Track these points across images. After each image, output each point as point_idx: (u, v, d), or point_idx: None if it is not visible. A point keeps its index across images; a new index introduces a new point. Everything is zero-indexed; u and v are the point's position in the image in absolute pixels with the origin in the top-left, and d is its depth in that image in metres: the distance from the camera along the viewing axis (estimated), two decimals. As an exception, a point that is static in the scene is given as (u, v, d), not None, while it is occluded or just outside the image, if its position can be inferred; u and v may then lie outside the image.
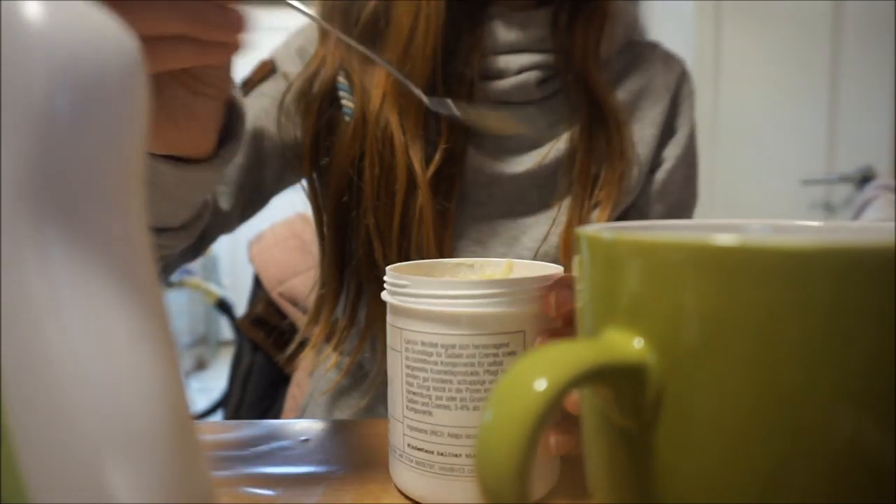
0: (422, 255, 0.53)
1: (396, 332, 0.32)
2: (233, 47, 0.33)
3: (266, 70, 0.59)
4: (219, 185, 0.54)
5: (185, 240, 0.48)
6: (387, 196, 0.53)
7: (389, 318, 0.33)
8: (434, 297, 0.30)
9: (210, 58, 0.32)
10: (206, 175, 0.42)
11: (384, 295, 0.33)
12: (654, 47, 0.64)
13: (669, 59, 0.64)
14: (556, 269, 0.33)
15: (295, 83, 0.57)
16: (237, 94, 0.43)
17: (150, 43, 0.28)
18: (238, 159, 0.57)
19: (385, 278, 0.33)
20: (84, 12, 0.16)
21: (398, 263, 0.35)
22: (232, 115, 0.43)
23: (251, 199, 0.60)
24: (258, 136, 0.58)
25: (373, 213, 0.53)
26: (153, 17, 0.29)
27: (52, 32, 0.15)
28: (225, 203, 0.57)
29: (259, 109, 0.58)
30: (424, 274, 0.36)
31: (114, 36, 0.16)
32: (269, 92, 0.58)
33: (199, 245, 0.57)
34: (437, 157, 0.53)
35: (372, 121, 0.53)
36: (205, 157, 0.41)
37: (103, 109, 0.16)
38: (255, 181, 0.59)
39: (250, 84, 0.59)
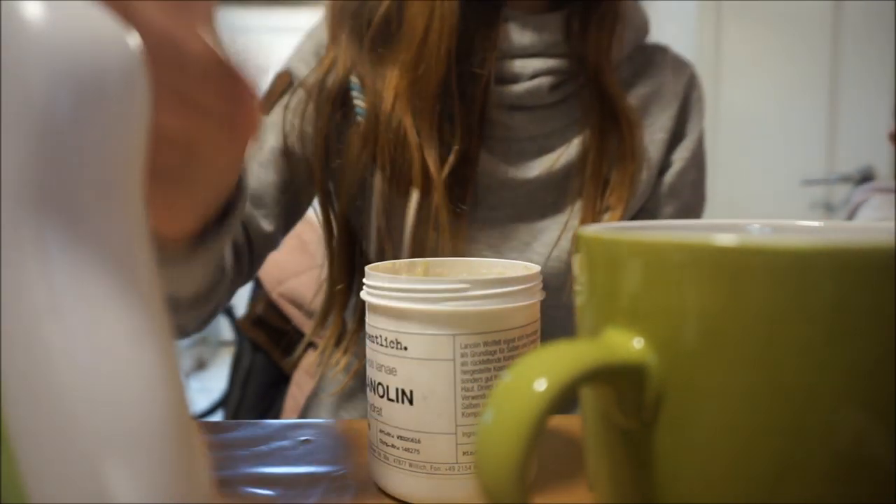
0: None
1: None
2: (246, 137, 0.29)
3: (284, 82, 0.59)
4: (217, 258, 0.46)
5: (200, 312, 0.48)
6: (399, 198, 0.53)
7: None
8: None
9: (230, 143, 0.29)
10: (197, 267, 0.38)
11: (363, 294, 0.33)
12: (664, 52, 0.64)
13: (679, 65, 0.64)
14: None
15: (307, 82, 0.57)
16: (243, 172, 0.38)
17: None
18: (273, 179, 0.58)
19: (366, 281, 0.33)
20: (84, 12, 0.16)
21: (375, 263, 0.36)
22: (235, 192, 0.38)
23: (290, 213, 0.61)
24: (287, 153, 0.59)
25: (384, 215, 0.53)
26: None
27: (52, 32, 0.15)
28: (267, 225, 0.59)
29: (285, 124, 0.58)
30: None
31: (114, 36, 0.16)
32: (293, 105, 0.59)
33: (250, 271, 0.58)
34: (452, 157, 0.53)
35: (384, 122, 0.53)
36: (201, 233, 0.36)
37: (103, 109, 0.16)
38: (291, 197, 0.60)
39: (272, 98, 0.59)
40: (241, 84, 0.26)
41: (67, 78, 0.15)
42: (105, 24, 0.16)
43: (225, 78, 0.25)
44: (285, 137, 0.58)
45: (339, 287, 0.58)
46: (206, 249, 0.36)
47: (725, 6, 2.14)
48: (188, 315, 0.47)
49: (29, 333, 0.16)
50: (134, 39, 0.17)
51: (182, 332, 0.51)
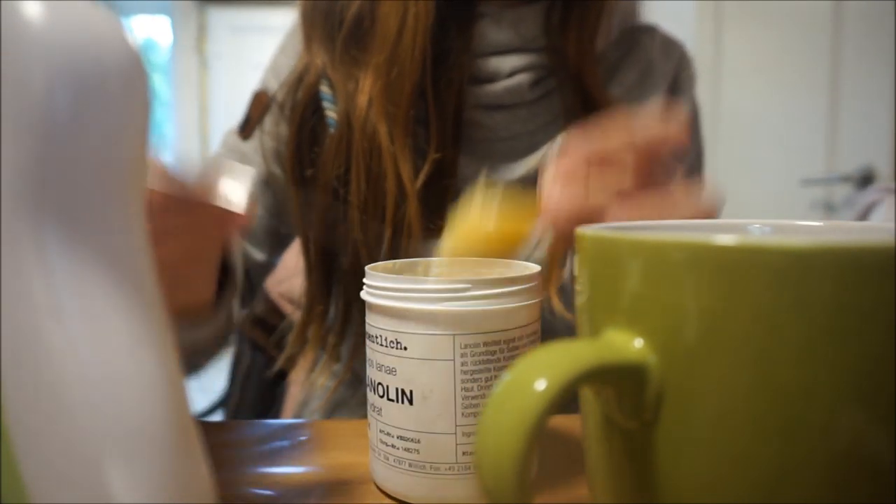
0: None
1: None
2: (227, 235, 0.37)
3: (263, 103, 0.57)
4: (229, 330, 0.52)
5: (216, 354, 0.52)
6: (374, 209, 0.50)
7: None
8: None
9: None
10: (211, 329, 0.45)
11: (363, 294, 0.33)
12: (652, 33, 0.61)
13: (668, 45, 0.61)
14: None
15: (278, 96, 0.56)
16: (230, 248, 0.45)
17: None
18: (260, 212, 0.58)
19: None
20: (84, 12, 0.16)
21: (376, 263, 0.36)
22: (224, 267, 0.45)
23: (281, 239, 0.62)
24: (271, 180, 0.58)
25: (360, 227, 0.51)
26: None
27: (52, 32, 0.15)
28: (260, 256, 0.59)
29: (266, 151, 0.57)
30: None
31: (114, 36, 0.16)
32: (268, 128, 0.57)
33: (251, 298, 0.61)
34: (426, 167, 0.50)
35: (358, 129, 0.50)
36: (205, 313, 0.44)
37: (103, 109, 0.16)
38: (281, 224, 0.60)
39: (252, 122, 0.57)
40: (204, 208, 0.32)
41: (67, 77, 0.15)
42: (105, 24, 0.16)
43: (189, 209, 0.32)
44: (266, 164, 0.57)
45: (316, 299, 0.56)
46: (220, 307, 0.45)
47: (725, 6, 2.14)
48: (208, 359, 0.52)
49: (29, 334, 0.16)
50: (134, 39, 0.17)
51: (199, 371, 0.53)
